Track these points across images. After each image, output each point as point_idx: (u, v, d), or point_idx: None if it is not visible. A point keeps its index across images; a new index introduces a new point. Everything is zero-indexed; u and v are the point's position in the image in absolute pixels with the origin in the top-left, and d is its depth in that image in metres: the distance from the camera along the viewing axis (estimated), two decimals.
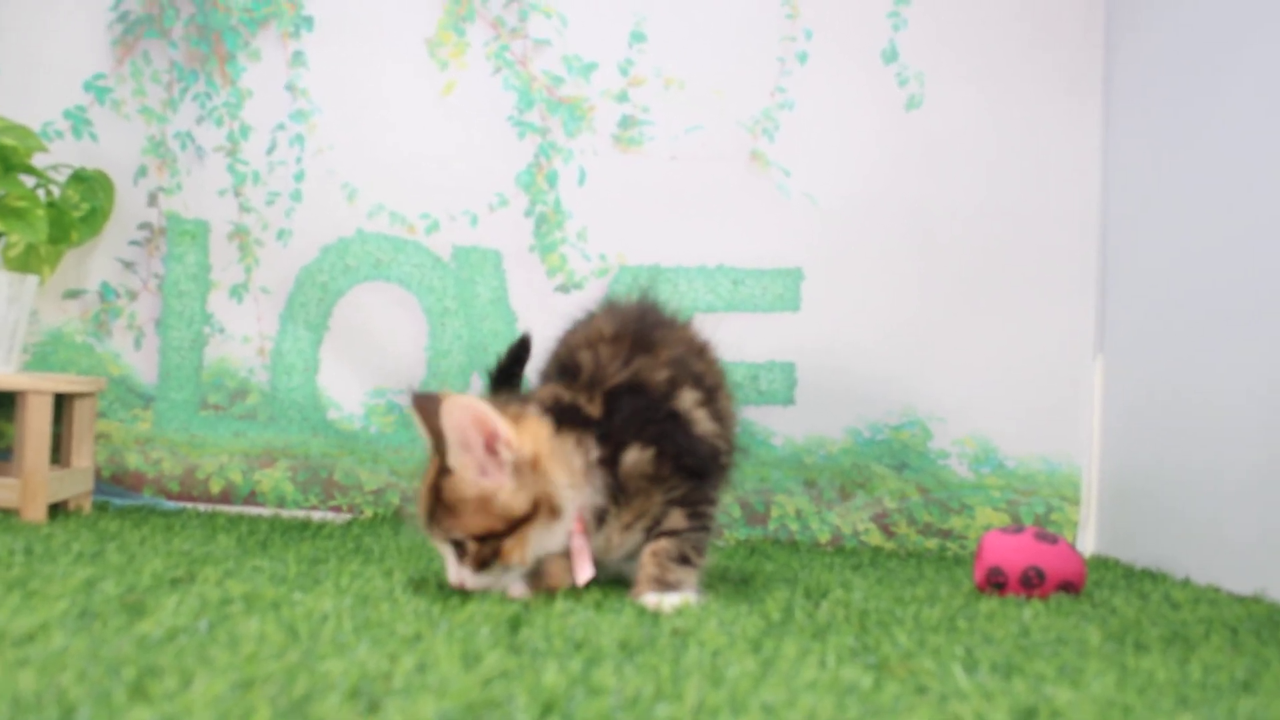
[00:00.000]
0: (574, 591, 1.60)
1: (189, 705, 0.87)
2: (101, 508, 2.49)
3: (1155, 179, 2.41)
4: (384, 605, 1.41)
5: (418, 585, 1.61)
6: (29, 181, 2.49)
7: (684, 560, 1.60)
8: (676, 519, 1.61)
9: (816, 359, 2.61)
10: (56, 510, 2.37)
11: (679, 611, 1.48)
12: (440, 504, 1.52)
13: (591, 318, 1.78)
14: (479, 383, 2.62)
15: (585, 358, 1.65)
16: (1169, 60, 2.39)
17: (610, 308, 1.79)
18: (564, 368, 1.66)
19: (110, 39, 2.68)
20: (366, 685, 0.97)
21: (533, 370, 1.85)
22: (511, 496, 1.51)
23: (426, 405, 1.56)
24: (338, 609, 1.35)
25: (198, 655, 1.05)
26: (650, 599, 1.54)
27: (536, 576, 1.59)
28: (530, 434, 1.53)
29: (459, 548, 1.53)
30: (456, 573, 1.53)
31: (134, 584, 1.46)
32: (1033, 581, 1.84)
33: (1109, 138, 2.60)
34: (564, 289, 2.62)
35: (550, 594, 1.58)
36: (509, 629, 1.29)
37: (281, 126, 2.67)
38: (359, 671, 1.01)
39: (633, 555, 1.63)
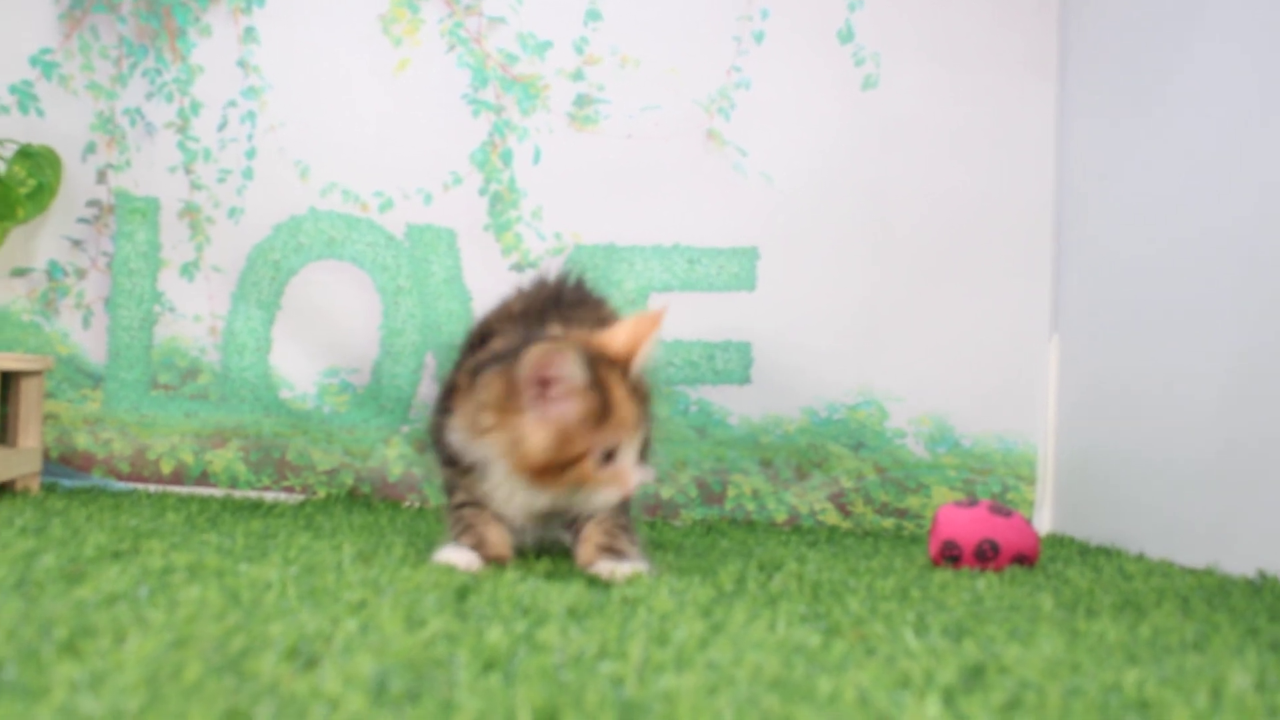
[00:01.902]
0: (524, 562, 1.59)
1: (120, 662, 0.85)
2: (50, 488, 2.45)
3: (1110, 158, 2.41)
4: (330, 575, 1.39)
5: (367, 557, 1.59)
6: None
7: (626, 531, 1.60)
8: None
9: (772, 338, 2.60)
10: (3, 490, 2.33)
11: (630, 581, 1.47)
12: (644, 406, 1.60)
13: (510, 296, 1.78)
14: (433, 362, 2.60)
15: (497, 335, 1.66)
16: (1123, 38, 2.40)
17: (535, 285, 1.78)
18: (481, 344, 1.67)
19: (57, 13, 2.64)
20: (305, 645, 0.95)
21: None
22: None
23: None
24: (282, 578, 1.33)
25: (134, 618, 1.02)
26: (603, 567, 1.53)
27: (484, 546, 1.57)
28: None
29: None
30: (642, 471, 1.59)
31: (76, 555, 1.43)
32: (987, 554, 1.84)
33: (1064, 117, 2.61)
34: (519, 268, 2.61)
35: (500, 565, 1.56)
36: (456, 596, 1.28)
37: (233, 103, 2.64)
38: (298, 633, 0.99)
39: (551, 518, 1.65)
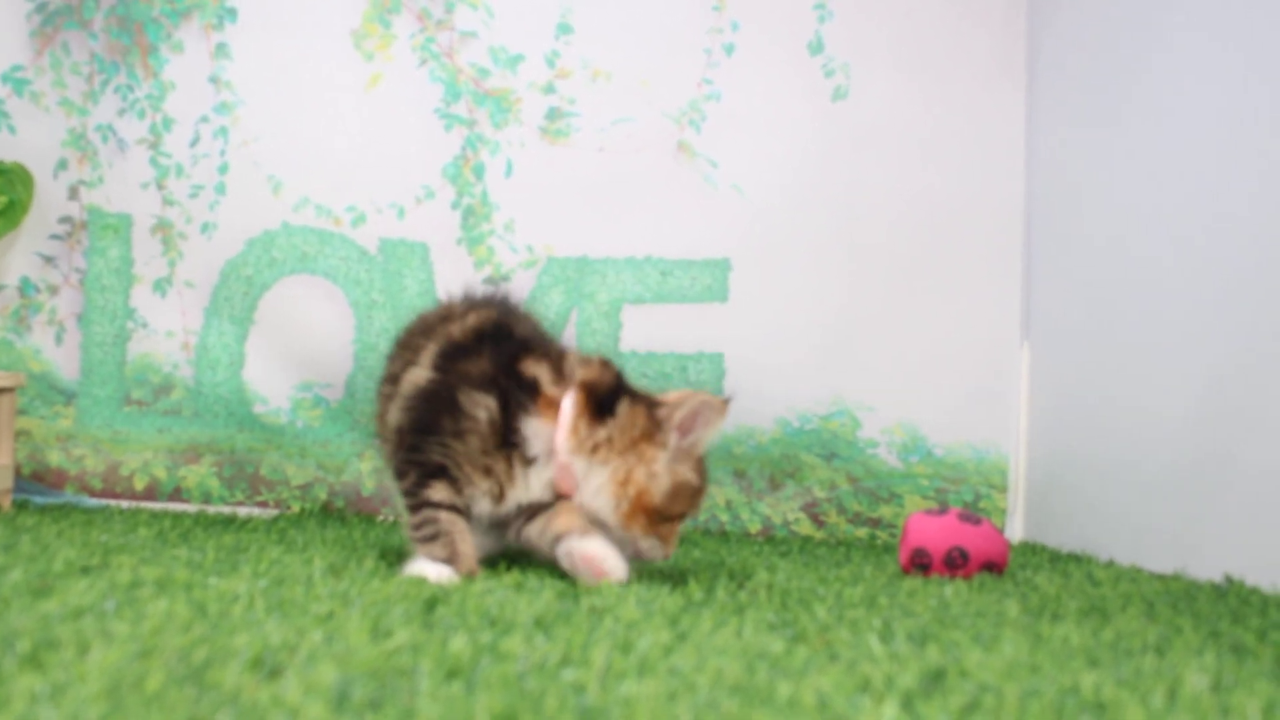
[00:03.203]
0: (494, 572, 1.59)
1: (82, 673, 0.86)
2: (21, 506, 2.45)
3: (1079, 165, 2.43)
4: (299, 588, 1.39)
5: (337, 570, 1.59)
6: None
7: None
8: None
9: (745, 349, 2.61)
10: None
11: (597, 590, 1.47)
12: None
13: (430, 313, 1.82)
14: None
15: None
16: (1092, 43, 2.42)
17: (467, 302, 1.81)
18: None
19: (29, 30, 2.63)
20: (269, 655, 0.96)
21: None
22: None
23: None
24: (251, 591, 1.33)
25: (98, 630, 1.03)
26: (577, 542, 1.57)
27: (458, 560, 1.57)
28: None
29: None
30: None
31: (44, 571, 1.43)
32: (957, 562, 1.85)
33: (1033, 124, 2.62)
34: (492, 281, 2.61)
35: (470, 577, 1.56)
36: (424, 608, 1.28)
37: (205, 119, 2.64)
38: (263, 644, 1.00)
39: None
